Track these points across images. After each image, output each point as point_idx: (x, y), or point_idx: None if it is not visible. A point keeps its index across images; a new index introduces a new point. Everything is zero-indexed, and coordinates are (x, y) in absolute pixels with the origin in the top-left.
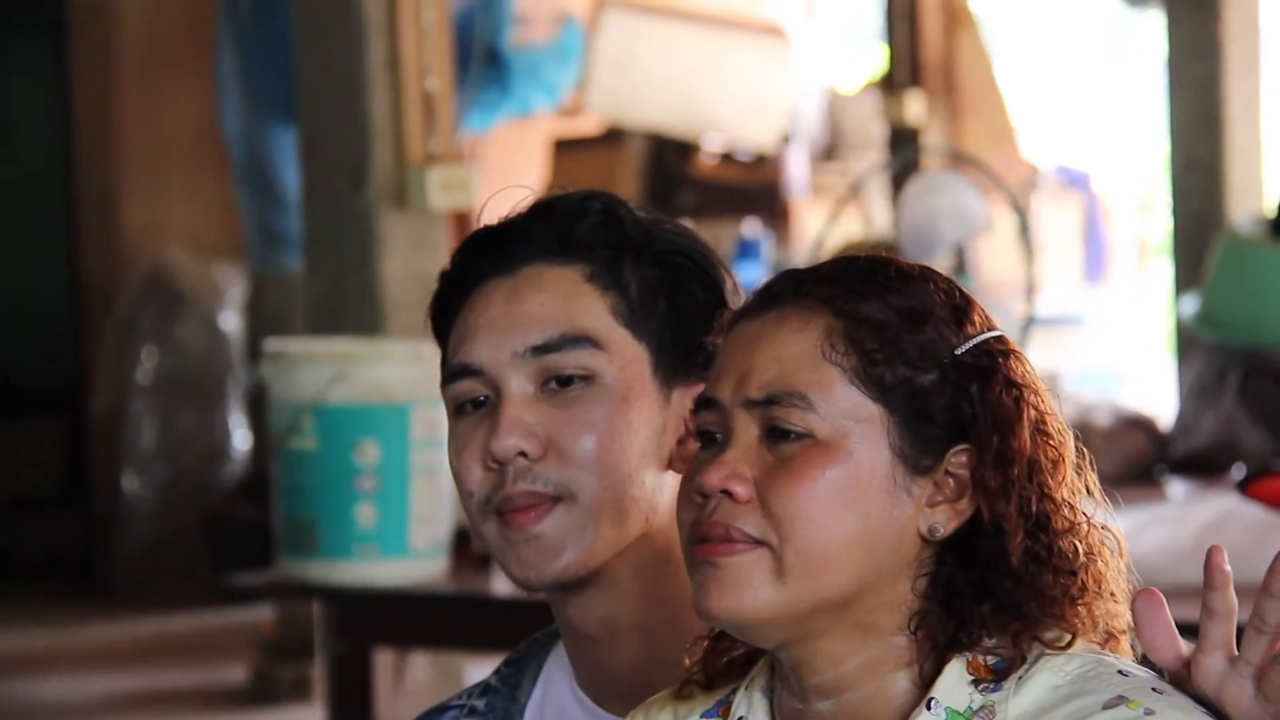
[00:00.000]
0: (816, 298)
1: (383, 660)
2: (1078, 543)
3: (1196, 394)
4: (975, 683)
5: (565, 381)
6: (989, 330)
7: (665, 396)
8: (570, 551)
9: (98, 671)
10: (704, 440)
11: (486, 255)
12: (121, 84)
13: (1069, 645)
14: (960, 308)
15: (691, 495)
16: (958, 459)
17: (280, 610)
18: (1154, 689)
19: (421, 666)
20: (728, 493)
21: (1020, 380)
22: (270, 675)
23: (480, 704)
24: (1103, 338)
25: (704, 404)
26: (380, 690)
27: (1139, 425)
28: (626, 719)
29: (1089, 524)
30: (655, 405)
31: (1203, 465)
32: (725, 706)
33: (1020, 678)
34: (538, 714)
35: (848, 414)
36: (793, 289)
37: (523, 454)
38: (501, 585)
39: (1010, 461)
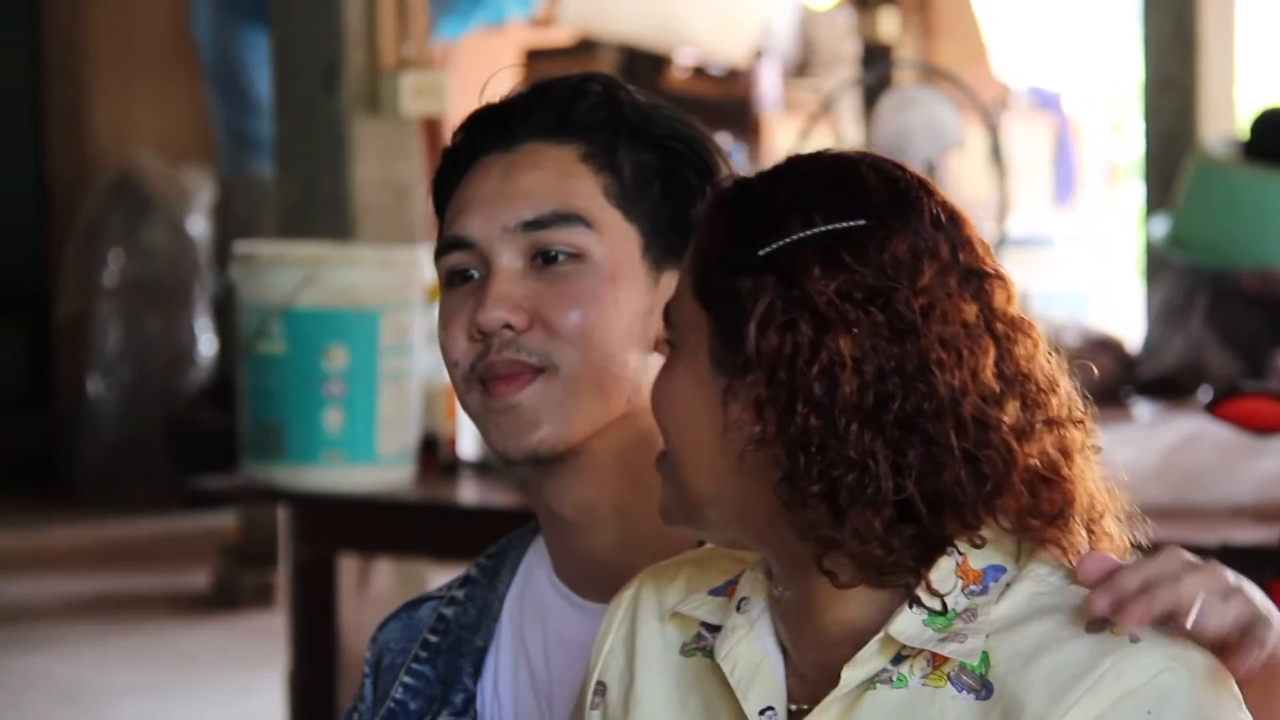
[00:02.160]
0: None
1: (347, 566)
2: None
3: (1165, 316)
4: (964, 588)
5: (553, 258)
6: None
7: (654, 279)
8: (547, 425)
9: (59, 573)
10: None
11: (486, 132)
12: None
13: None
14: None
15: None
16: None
17: (244, 516)
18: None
19: (386, 573)
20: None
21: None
22: (233, 581)
23: (460, 594)
24: (1072, 259)
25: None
26: (344, 597)
27: (1106, 346)
28: (635, 580)
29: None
30: (643, 287)
31: (1170, 387)
32: (732, 586)
33: (1006, 580)
34: (516, 604)
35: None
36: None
37: (508, 326)
38: (468, 493)
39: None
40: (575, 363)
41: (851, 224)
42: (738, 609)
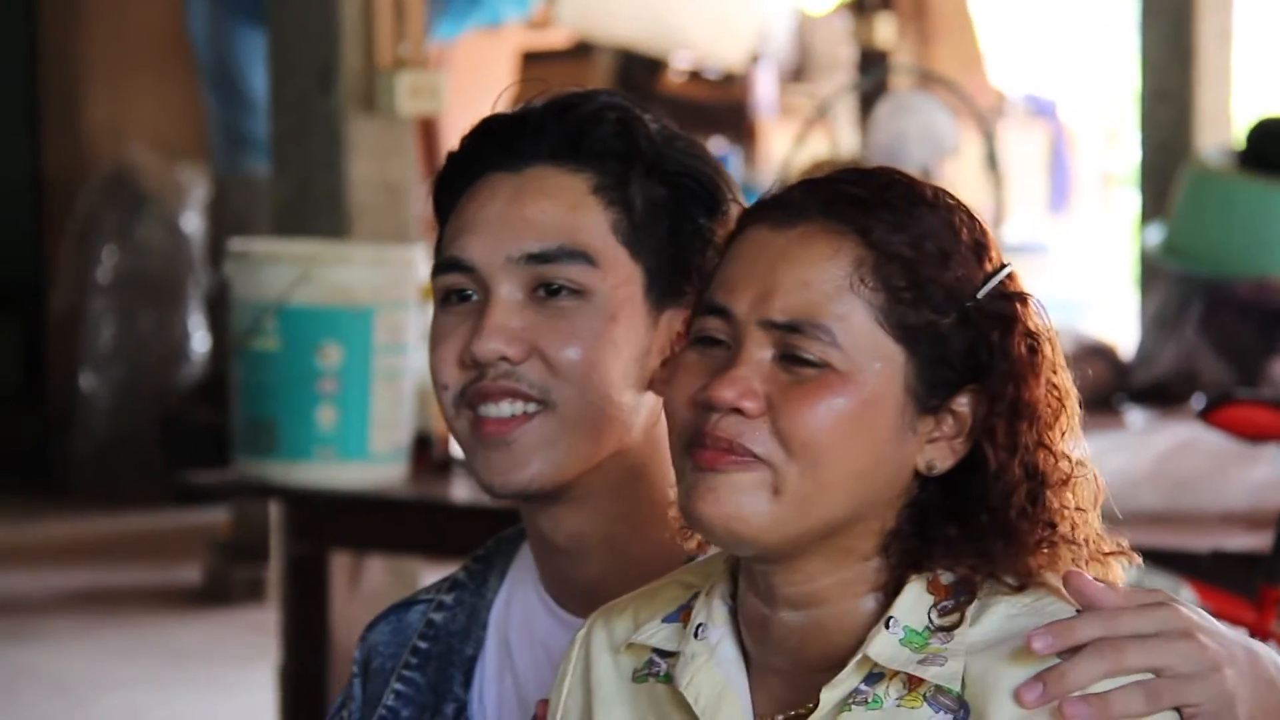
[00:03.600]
0: (846, 221)
1: (339, 563)
2: (1062, 496)
3: (1158, 324)
4: (936, 605)
5: (555, 291)
6: (1003, 265)
7: (654, 319)
8: (538, 464)
9: (51, 567)
10: (700, 344)
11: (495, 145)
12: None
13: (1019, 590)
14: (980, 242)
15: (693, 402)
16: (963, 399)
17: (236, 512)
18: None
19: (378, 570)
20: (739, 410)
21: (1036, 329)
22: (225, 576)
23: (448, 599)
24: (1066, 267)
25: (713, 310)
26: (336, 593)
27: (1100, 353)
28: (586, 622)
29: (1075, 472)
30: (643, 327)
31: (1162, 395)
32: (686, 612)
33: (981, 603)
34: (503, 612)
35: (868, 351)
36: (819, 206)
37: (504, 359)
38: (460, 491)
39: (1019, 413)
40: (573, 401)
41: (1010, 266)
42: (695, 635)
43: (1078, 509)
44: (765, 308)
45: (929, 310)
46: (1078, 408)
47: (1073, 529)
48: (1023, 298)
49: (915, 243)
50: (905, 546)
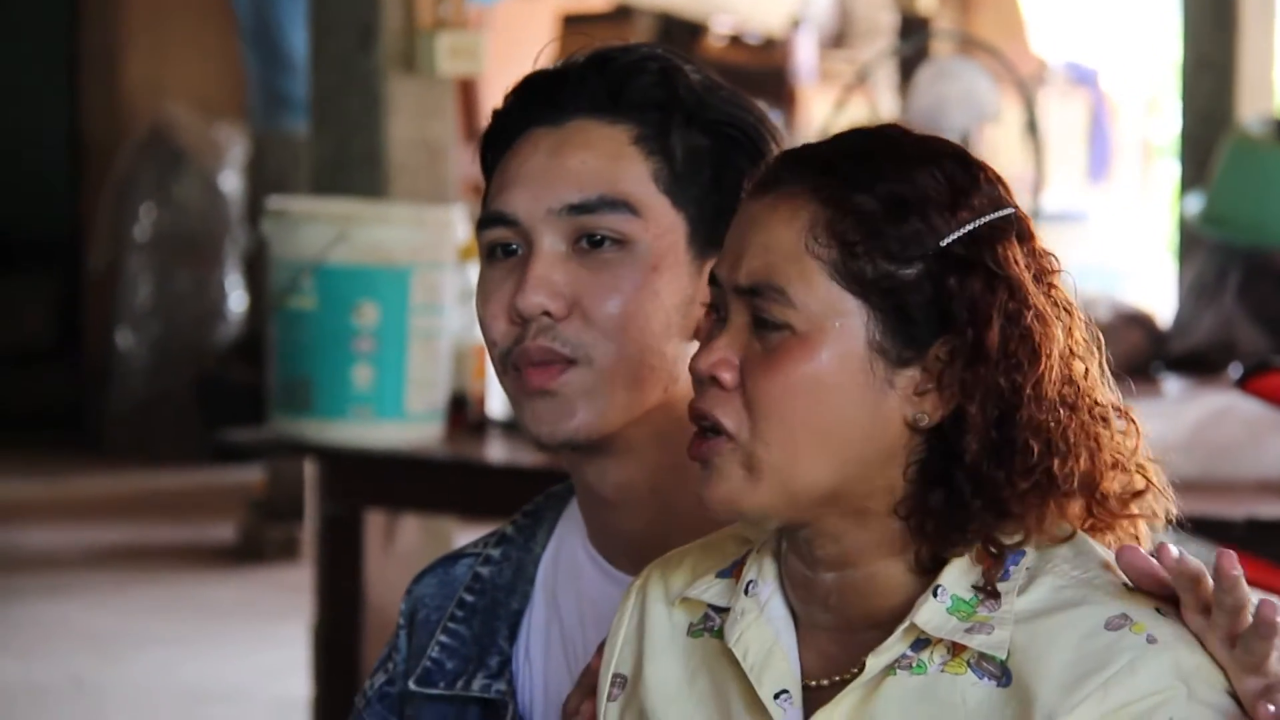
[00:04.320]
0: (806, 183)
1: (374, 522)
2: (1044, 441)
3: (1196, 292)
4: (984, 573)
5: (597, 242)
6: (994, 211)
7: (698, 267)
8: (582, 413)
9: (85, 523)
10: (714, 313)
11: (537, 100)
12: None
13: (1019, 545)
14: (961, 189)
15: (692, 375)
16: (942, 349)
17: (270, 471)
18: (1157, 609)
19: (412, 530)
20: (715, 379)
21: (1004, 270)
22: (259, 535)
23: (496, 553)
24: (1105, 235)
25: (711, 278)
26: (370, 552)
27: (1137, 321)
28: (643, 572)
29: (1073, 416)
30: (686, 275)
31: (1199, 363)
32: (739, 567)
33: (1030, 571)
34: (551, 567)
35: (826, 309)
36: (789, 171)
37: (547, 314)
38: (495, 451)
39: (980, 357)
40: (610, 356)
41: (1010, 210)
42: (745, 592)
43: (1083, 457)
44: (736, 274)
45: (885, 261)
46: (1083, 350)
47: (1070, 480)
48: (1000, 239)
49: (873, 196)
50: (914, 506)
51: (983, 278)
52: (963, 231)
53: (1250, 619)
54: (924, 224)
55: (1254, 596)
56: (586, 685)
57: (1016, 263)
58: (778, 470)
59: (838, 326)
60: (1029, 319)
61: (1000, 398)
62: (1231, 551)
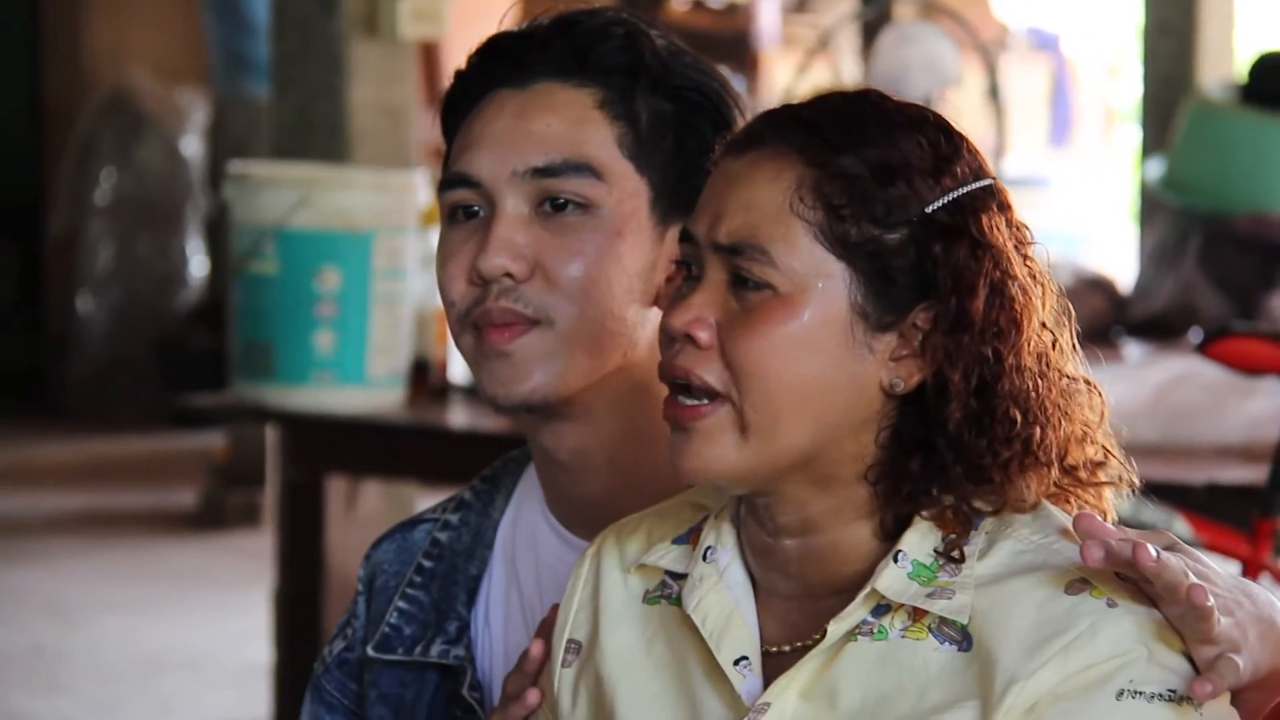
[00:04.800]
0: (791, 143)
1: (335, 488)
2: (1024, 410)
3: (1157, 257)
4: (944, 539)
5: (561, 206)
6: (975, 181)
7: (660, 233)
8: (539, 375)
9: (47, 489)
10: (685, 270)
11: (501, 62)
12: None
13: (998, 512)
14: (945, 157)
15: (664, 331)
16: (923, 316)
17: (232, 436)
18: (1117, 572)
19: (374, 495)
20: (690, 337)
21: (989, 240)
22: (220, 501)
23: (454, 518)
24: (1066, 200)
25: (684, 235)
26: (332, 517)
27: (1098, 287)
28: (598, 539)
29: (1050, 386)
30: (649, 241)
31: (1161, 327)
32: (696, 533)
33: (989, 537)
34: (509, 532)
35: (810, 270)
36: (773, 131)
37: (509, 275)
38: (456, 417)
39: (964, 325)
40: (571, 318)
41: (990, 181)
42: (704, 558)
43: (1060, 427)
44: (715, 232)
45: (871, 225)
46: (1053, 322)
47: (1048, 450)
48: (983, 208)
49: (859, 160)
50: (885, 471)
51: (968, 245)
52: (949, 198)
53: (1185, 600)
54: (909, 189)
55: (1214, 564)
56: (527, 671)
57: (999, 232)
58: (762, 433)
59: (820, 287)
60: (1013, 289)
61: (982, 366)
62: (1145, 543)
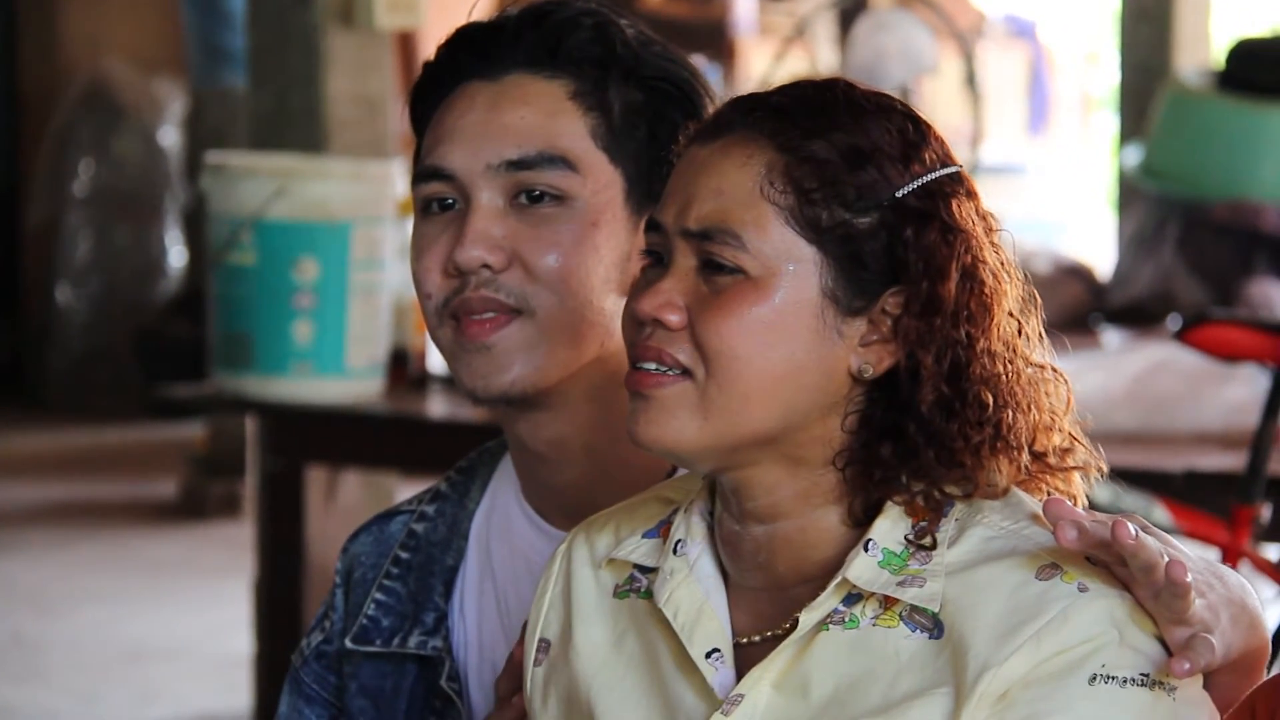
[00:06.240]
0: (763, 130)
1: (314, 478)
2: (994, 394)
3: (1135, 244)
4: (914, 527)
5: (536, 198)
6: (943, 168)
7: (635, 223)
8: (519, 367)
9: (26, 480)
10: (652, 259)
11: (471, 54)
12: None
13: (969, 497)
14: (913, 143)
15: (630, 318)
16: (893, 300)
17: (212, 426)
18: (1087, 556)
19: (353, 485)
20: (660, 321)
21: (959, 225)
22: (200, 491)
23: (430, 509)
24: (1044, 188)
25: (651, 224)
26: (311, 508)
27: (1076, 274)
28: (569, 536)
29: (1019, 372)
30: (624, 231)
31: (1138, 315)
32: (666, 527)
33: (960, 524)
34: (484, 523)
35: (781, 254)
36: (742, 117)
37: (486, 266)
38: (435, 406)
39: (936, 309)
40: (551, 307)
41: (957, 168)
42: (674, 552)
43: (1030, 412)
44: (684, 217)
45: (842, 210)
46: (1019, 309)
47: (1019, 434)
48: (952, 194)
49: (830, 145)
50: (855, 457)
51: (939, 229)
52: (919, 183)
53: (1163, 578)
54: (880, 174)
55: (1190, 550)
56: (515, 674)
57: (969, 218)
58: (725, 413)
59: (791, 271)
60: (984, 273)
61: (955, 349)
62: (1125, 521)
